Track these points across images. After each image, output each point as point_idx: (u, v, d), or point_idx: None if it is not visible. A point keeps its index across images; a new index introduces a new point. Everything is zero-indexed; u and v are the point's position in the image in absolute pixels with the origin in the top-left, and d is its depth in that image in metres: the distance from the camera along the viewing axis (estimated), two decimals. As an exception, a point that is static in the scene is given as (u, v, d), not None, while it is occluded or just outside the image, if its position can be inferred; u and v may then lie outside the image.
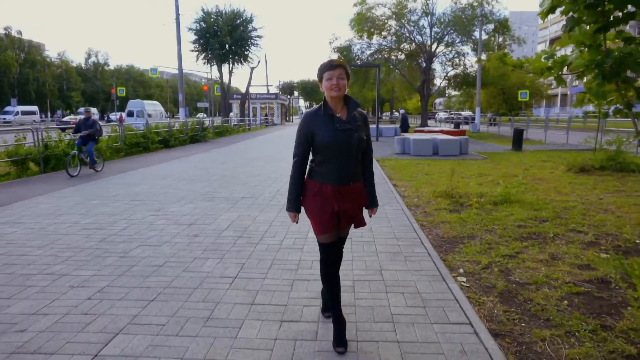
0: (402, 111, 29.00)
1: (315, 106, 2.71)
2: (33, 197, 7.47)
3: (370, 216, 2.89)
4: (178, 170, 11.04)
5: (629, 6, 2.99)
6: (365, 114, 2.77)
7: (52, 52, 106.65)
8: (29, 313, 3.14)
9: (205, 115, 53.64)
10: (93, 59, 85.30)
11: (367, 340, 2.77)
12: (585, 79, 3.42)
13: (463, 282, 3.85)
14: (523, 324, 3.08)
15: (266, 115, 49.34)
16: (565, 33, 3.21)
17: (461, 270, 4.12)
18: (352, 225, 2.79)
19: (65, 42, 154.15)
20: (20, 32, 69.12)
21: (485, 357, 2.58)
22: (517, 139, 15.59)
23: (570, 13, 3.19)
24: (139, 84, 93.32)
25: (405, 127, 23.48)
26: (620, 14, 3.12)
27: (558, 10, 3.28)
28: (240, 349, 2.66)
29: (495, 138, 23.30)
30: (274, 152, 15.97)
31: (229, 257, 4.35)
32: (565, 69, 3.54)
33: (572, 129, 22.42)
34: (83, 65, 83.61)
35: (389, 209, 6.44)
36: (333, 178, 2.60)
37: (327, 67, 2.57)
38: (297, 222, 2.71)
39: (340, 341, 2.68)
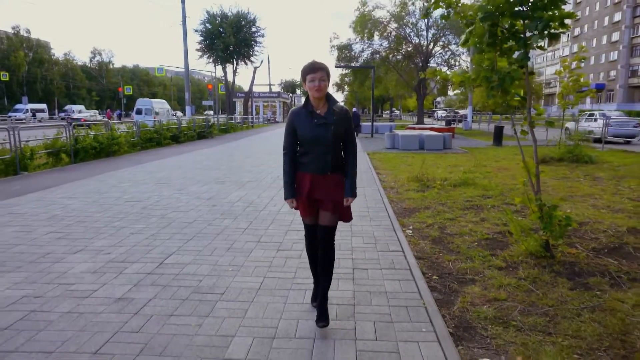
0: (354, 109, 29.89)
1: (300, 104, 3.02)
2: (76, 181, 9.02)
3: (345, 205, 3.02)
4: (190, 161, 12.59)
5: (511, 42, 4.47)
6: (347, 110, 3.02)
7: (57, 51, 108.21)
8: (109, 245, 4.68)
9: (181, 114, 52.04)
10: (98, 58, 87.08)
11: (332, 258, 4.28)
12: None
13: (409, 233, 5.38)
14: (440, 254, 4.59)
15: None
16: (473, 57, 4.70)
17: (410, 227, 5.63)
18: (339, 219, 3.05)
19: (70, 41, 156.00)
20: (28, 31, 70.91)
21: (405, 265, 4.10)
22: (497, 135, 17.07)
23: (477, 45, 4.67)
24: (144, 82, 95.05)
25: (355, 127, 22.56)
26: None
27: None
28: (252, 261, 4.20)
29: (484, 135, 24.77)
30: (274, 146, 17.49)
31: (241, 218, 5.88)
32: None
33: (557, 126, 23.84)
34: (88, 64, 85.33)
35: (368, 190, 7.95)
36: (312, 168, 2.91)
37: (310, 70, 2.81)
38: (295, 208, 3.06)
39: (316, 298, 3.13)
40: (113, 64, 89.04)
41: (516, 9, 4.12)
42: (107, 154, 13.57)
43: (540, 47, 4.25)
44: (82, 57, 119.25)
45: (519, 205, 6.70)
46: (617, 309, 3.24)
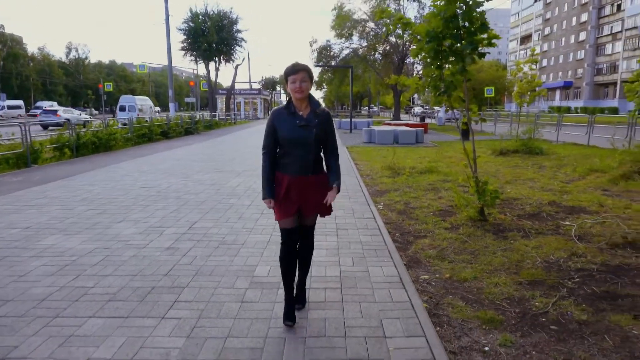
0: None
1: (282, 104, 3.03)
2: (87, 172, 10.10)
3: (330, 200, 2.99)
4: (186, 155, 13.72)
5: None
6: (329, 112, 3.04)
7: (30, 46, 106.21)
8: (143, 217, 5.90)
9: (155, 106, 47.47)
10: (74, 53, 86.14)
11: (319, 223, 5.61)
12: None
13: (380, 207, 6.74)
14: (403, 221, 5.96)
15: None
16: (424, 70, 6.07)
17: (381, 203, 7.00)
18: (318, 214, 3.10)
19: (43, 36, 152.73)
20: (2, 27, 69.78)
21: (376, 227, 5.46)
22: (465, 131, 18.61)
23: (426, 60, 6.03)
24: (121, 78, 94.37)
25: None
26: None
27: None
28: (259, 225, 5.50)
29: (455, 130, 26.45)
30: (260, 141, 18.65)
31: (243, 198, 7.16)
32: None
33: (522, 122, 25.73)
34: (64, 59, 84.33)
35: (347, 177, 9.29)
36: (293, 169, 2.91)
37: (291, 71, 2.82)
38: (272, 208, 3.01)
39: (289, 316, 3.00)
40: (88, 59, 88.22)
41: (454, 32, 5.49)
42: (104, 148, 14.56)
43: (475, 61, 5.64)
44: (56, 52, 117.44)
45: (471, 189, 8.16)
46: (521, 249, 4.66)
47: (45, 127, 26.54)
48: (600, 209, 6.26)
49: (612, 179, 8.27)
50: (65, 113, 30.65)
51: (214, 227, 5.41)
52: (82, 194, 7.53)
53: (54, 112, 30.14)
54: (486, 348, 2.83)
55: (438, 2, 5.37)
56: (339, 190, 3.04)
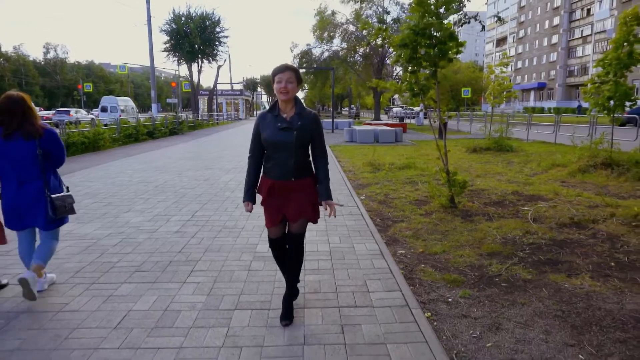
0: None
1: (268, 107, 2.94)
2: (81, 170, 10.53)
3: (330, 215, 3.02)
4: (175, 154, 14.20)
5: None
6: (316, 113, 2.94)
7: (5, 46, 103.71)
8: (147, 208, 6.45)
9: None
10: (52, 53, 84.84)
11: (310, 211, 6.26)
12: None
13: (362, 198, 7.44)
14: (383, 209, 6.66)
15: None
16: (403, 75, 6.78)
17: (363, 195, 7.70)
18: (309, 222, 2.99)
19: (19, 36, 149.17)
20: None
21: (359, 213, 6.14)
22: (440, 130, 19.54)
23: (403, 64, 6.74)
24: (99, 79, 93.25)
25: None
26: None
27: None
28: (255, 213, 6.07)
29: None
30: (244, 141, 19.24)
31: (237, 191, 7.76)
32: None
33: (495, 122, 26.85)
34: (41, 59, 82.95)
35: (330, 173, 9.95)
36: (275, 173, 2.85)
37: (278, 70, 2.75)
38: (250, 212, 3.00)
39: (285, 314, 3.02)
40: (67, 58, 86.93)
41: (428, 42, 6.22)
42: (93, 148, 14.92)
43: (445, 66, 6.38)
44: (33, 52, 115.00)
45: (442, 180, 8.93)
46: (484, 230, 5.40)
47: (57, 126, 28.12)
48: (556, 196, 7.09)
49: (571, 172, 9.17)
50: (77, 113, 35.58)
51: (215, 215, 6.02)
52: (83, 189, 8.01)
53: (67, 112, 35.11)
54: (449, 299, 3.54)
55: (412, 14, 6.10)
56: (330, 198, 3.03)
